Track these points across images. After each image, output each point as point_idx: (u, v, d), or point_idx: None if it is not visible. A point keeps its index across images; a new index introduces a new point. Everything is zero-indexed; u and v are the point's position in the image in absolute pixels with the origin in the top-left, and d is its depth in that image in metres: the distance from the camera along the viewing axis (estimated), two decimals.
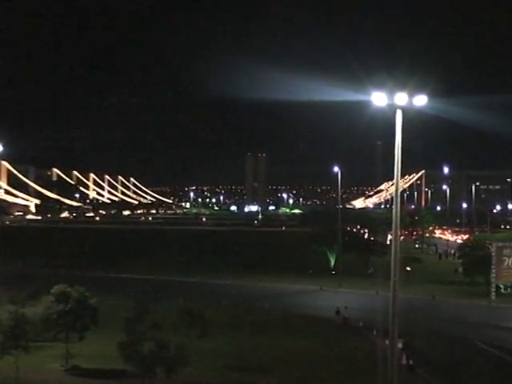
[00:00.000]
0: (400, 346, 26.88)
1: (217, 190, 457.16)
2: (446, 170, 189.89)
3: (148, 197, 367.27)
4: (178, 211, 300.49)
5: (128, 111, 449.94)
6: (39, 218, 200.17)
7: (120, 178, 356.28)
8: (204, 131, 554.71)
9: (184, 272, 64.27)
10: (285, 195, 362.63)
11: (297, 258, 75.95)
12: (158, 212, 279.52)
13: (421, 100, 19.40)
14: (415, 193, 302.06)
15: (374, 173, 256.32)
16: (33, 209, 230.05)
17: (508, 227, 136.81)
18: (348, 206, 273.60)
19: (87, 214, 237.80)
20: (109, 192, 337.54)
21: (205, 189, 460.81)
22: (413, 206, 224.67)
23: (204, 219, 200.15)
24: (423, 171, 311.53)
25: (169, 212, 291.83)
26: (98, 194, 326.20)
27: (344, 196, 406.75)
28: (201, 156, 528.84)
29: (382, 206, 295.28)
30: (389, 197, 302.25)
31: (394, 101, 19.40)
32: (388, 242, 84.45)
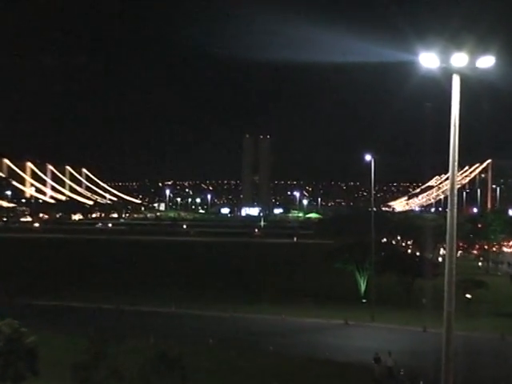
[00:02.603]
0: None
1: (202, 185, 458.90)
2: None
3: (107, 195, 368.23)
4: (148, 215, 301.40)
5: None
6: None
7: (68, 168, 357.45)
8: (185, 105, 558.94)
9: (157, 299, 64.71)
10: (297, 193, 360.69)
11: (314, 281, 77.00)
12: (120, 216, 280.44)
13: (486, 62, 19.34)
14: (478, 190, 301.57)
15: (421, 163, 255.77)
16: None
17: None
18: (385, 209, 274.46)
19: (23, 219, 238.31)
20: (53, 188, 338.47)
21: (186, 184, 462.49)
22: (475, 209, 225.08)
23: (185, 226, 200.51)
24: (489, 161, 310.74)
25: (136, 216, 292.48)
26: (38, 190, 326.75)
27: (379, 195, 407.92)
28: (180, 140, 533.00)
29: (432, 209, 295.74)
30: (441, 196, 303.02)
31: (450, 63, 19.36)
32: (440, 259, 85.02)
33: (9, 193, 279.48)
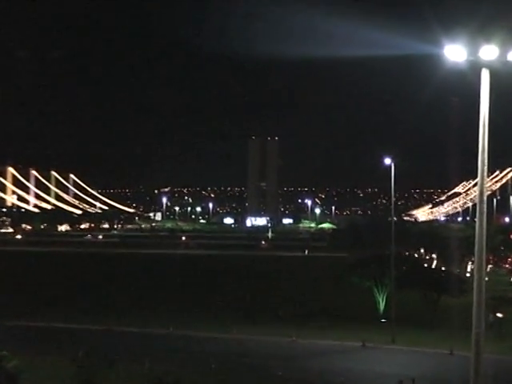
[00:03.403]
0: None
1: (203, 193, 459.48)
2: None
3: (97, 203, 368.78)
4: (143, 226, 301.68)
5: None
6: None
7: (54, 174, 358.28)
8: (183, 104, 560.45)
9: (153, 320, 64.78)
10: (308, 201, 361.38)
11: (327, 299, 76.83)
12: (112, 227, 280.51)
13: None
14: (511, 197, 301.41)
15: (447, 167, 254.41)
16: None
17: None
18: (406, 219, 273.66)
19: (3, 230, 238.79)
20: (37, 196, 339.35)
21: (184, 191, 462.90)
22: (507, 219, 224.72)
23: (184, 238, 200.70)
24: None
25: (129, 227, 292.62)
26: (20, 198, 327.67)
27: (400, 203, 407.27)
28: (178, 142, 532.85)
29: (459, 219, 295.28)
30: (469, 204, 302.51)
31: (478, 56, 19.44)
32: (468, 275, 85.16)
33: None
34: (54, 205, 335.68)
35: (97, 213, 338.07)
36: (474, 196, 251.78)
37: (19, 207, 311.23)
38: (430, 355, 52.09)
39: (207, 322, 64.39)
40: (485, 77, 19.87)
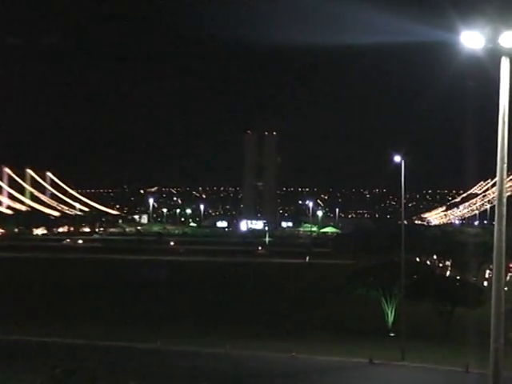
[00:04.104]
0: None
1: (194, 193, 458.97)
2: None
3: (77, 205, 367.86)
4: (127, 229, 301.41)
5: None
6: None
7: (29, 172, 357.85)
8: (173, 96, 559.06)
9: (138, 333, 64.65)
10: (310, 203, 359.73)
11: (331, 311, 76.96)
12: (93, 230, 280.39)
13: None
14: None
15: (463, 166, 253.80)
16: None
17: None
18: (418, 222, 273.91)
19: None
20: (10, 196, 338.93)
21: (173, 191, 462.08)
22: None
23: (173, 243, 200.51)
24: None
25: (113, 231, 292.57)
26: None
27: (411, 205, 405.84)
28: (166, 137, 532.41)
29: (476, 222, 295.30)
30: (487, 206, 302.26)
31: (498, 43, 19.45)
32: (486, 284, 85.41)
33: None
34: (29, 206, 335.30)
35: (76, 215, 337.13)
36: (493, 197, 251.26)
37: None
38: (444, 373, 51.86)
39: (199, 335, 64.24)
40: (504, 66, 19.85)
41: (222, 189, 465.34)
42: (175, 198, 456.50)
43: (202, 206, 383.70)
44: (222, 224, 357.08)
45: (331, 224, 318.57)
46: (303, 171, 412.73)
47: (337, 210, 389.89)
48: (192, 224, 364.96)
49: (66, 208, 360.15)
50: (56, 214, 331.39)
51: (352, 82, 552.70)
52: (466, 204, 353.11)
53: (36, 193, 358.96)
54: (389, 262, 70.00)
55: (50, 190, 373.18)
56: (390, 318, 66.98)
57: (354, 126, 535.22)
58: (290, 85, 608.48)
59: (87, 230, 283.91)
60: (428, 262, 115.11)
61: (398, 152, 65.82)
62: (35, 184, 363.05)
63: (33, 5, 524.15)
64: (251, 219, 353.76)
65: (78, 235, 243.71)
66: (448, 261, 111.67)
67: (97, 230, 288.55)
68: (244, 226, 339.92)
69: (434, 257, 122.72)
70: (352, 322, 70.14)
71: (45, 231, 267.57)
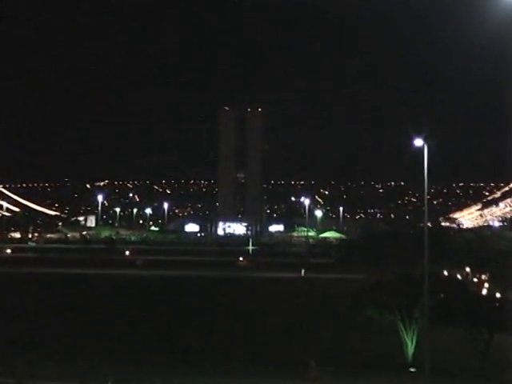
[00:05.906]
0: None
1: (155, 188, 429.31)
2: None
3: (4, 203, 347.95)
4: (69, 235, 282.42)
5: None
6: None
7: None
8: (131, 63, 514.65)
9: (77, 368, 55.73)
10: (305, 200, 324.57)
11: (333, 340, 69.57)
12: (26, 237, 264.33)
13: None
14: None
15: (502, 154, 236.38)
16: None
17: None
18: (446, 225, 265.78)
19: None
20: None
21: (129, 186, 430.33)
22: None
23: (128, 253, 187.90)
24: None
25: (50, 237, 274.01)
26: None
27: (436, 202, 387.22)
28: (120, 117, 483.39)
29: None
30: None
31: None
32: None
33: None
34: None
35: (3, 216, 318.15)
36: None
37: None
38: None
39: (163, 373, 55.47)
40: None
41: (191, 182, 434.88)
42: (131, 195, 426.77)
43: (165, 205, 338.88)
44: (191, 228, 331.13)
45: (333, 227, 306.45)
46: (297, 159, 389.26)
47: (340, 209, 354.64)
48: (153, 228, 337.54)
49: None
50: None
51: (357, 46, 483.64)
52: (508, 201, 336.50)
53: None
54: (408, 277, 64.04)
55: None
56: (410, 349, 59.94)
57: (363, 101, 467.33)
58: (281, 51, 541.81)
59: (17, 235, 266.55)
60: (459, 276, 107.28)
61: (419, 134, 59.65)
62: None
63: None
64: (230, 221, 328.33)
65: (5, 243, 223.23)
66: (485, 274, 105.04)
67: (29, 236, 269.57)
68: (221, 229, 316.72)
69: (467, 269, 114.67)
70: (360, 354, 62.25)
71: None
